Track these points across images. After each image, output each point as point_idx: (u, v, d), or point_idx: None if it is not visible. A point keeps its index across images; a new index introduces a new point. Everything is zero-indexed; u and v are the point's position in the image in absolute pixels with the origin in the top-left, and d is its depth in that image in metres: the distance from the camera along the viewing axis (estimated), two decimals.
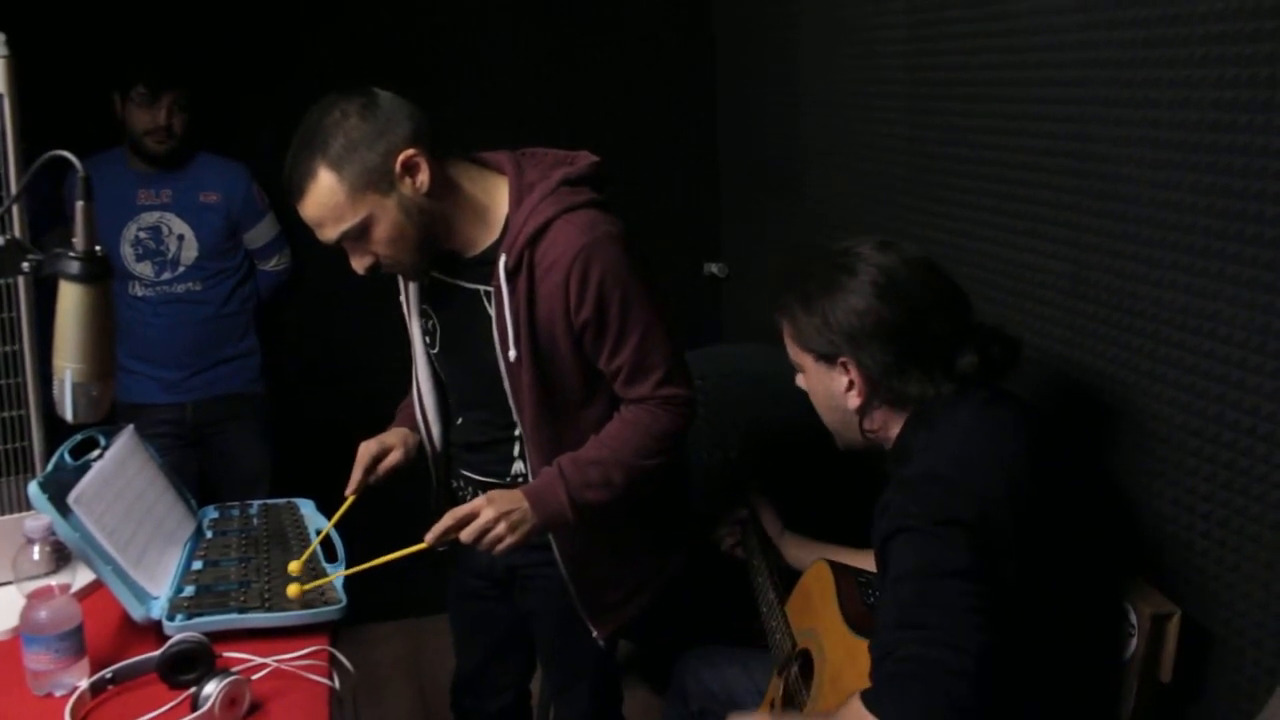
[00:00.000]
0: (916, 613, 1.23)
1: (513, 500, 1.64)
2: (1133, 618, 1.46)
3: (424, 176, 1.57)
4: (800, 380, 1.55)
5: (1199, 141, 1.39)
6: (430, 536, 1.63)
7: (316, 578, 1.72)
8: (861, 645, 1.47)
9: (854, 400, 1.47)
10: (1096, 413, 1.63)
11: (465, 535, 1.62)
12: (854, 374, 1.45)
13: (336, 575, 1.72)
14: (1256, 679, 1.37)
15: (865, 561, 1.74)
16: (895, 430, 1.47)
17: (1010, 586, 1.26)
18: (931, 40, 2.06)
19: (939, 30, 2.03)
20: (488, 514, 1.62)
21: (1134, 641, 1.46)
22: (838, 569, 1.68)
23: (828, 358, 1.47)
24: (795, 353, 1.53)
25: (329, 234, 1.59)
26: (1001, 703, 1.24)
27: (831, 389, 1.49)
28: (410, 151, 1.56)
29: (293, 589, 1.66)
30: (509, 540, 1.63)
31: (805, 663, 1.68)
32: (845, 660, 1.52)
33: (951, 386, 1.42)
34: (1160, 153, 1.46)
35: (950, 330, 1.42)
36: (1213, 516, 1.42)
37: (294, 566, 1.72)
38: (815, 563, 1.76)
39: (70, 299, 1.34)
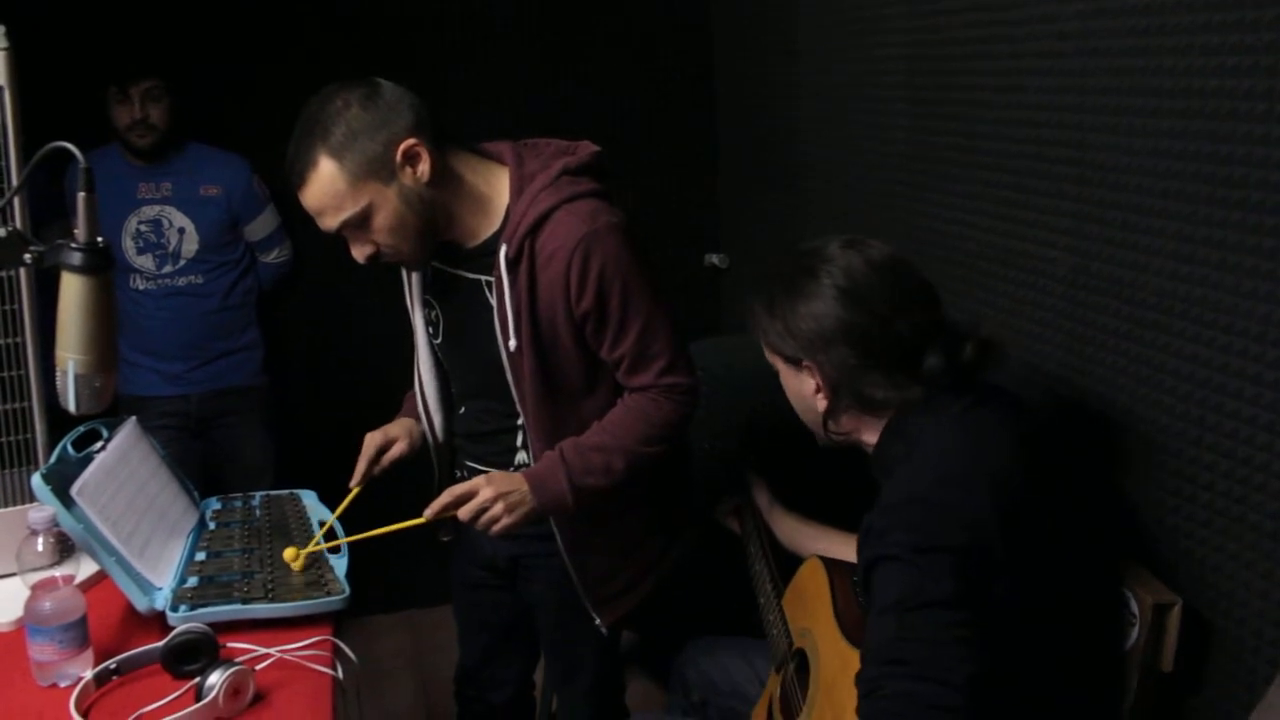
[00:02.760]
0: (901, 647, 1.21)
1: (512, 482, 1.65)
2: (1134, 607, 1.46)
3: (425, 166, 1.58)
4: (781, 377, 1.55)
5: (1200, 131, 1.39)
6: (429, 512, 1.65)
7: (318, 565, 1.72)
8: (855, 655, 1.46)
9: (821, 403, 1.46)
10: (1098, 403, 1.63)
11: (463, 513, 1.64)
12: (818, 378, 1.44)
13: (335, 543, 1.73)
14: (1257, 668, 1.37)
15: (855, 549, 1.73)
16: (870, 435, 1.46)
17: (1001, 603, 1.25)
18: (931, 30, 2.05)
19: (939, 20, 2.02)
20: (486, 493, 1.63)
21: (1135, 631, 1.46)
22: (832, 568, 1.67)
23: (793, 361, 1.46)
24: (767, 354, 1.52)
25: (329, 223, 1.59)
26: (1003, 695, 1.24)
27: (801, 391, 1.48)
28: (411, 141, 1.56)
29: (289, 552, 1.66)
30: (505, 521, 1.63)
31: (801, 662, 1.68)
32: (839, 670, 1.51)
33: (919, 389, 1.39)
34: (1161, 143, 1.46)
35: (915, 332, 1.39)
36: (1214, 506, 1.42)
37: (290, 554, 1.72)
38: (810, 559, 1.75)
39: (72, 290, 1.34)
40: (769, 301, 1.46)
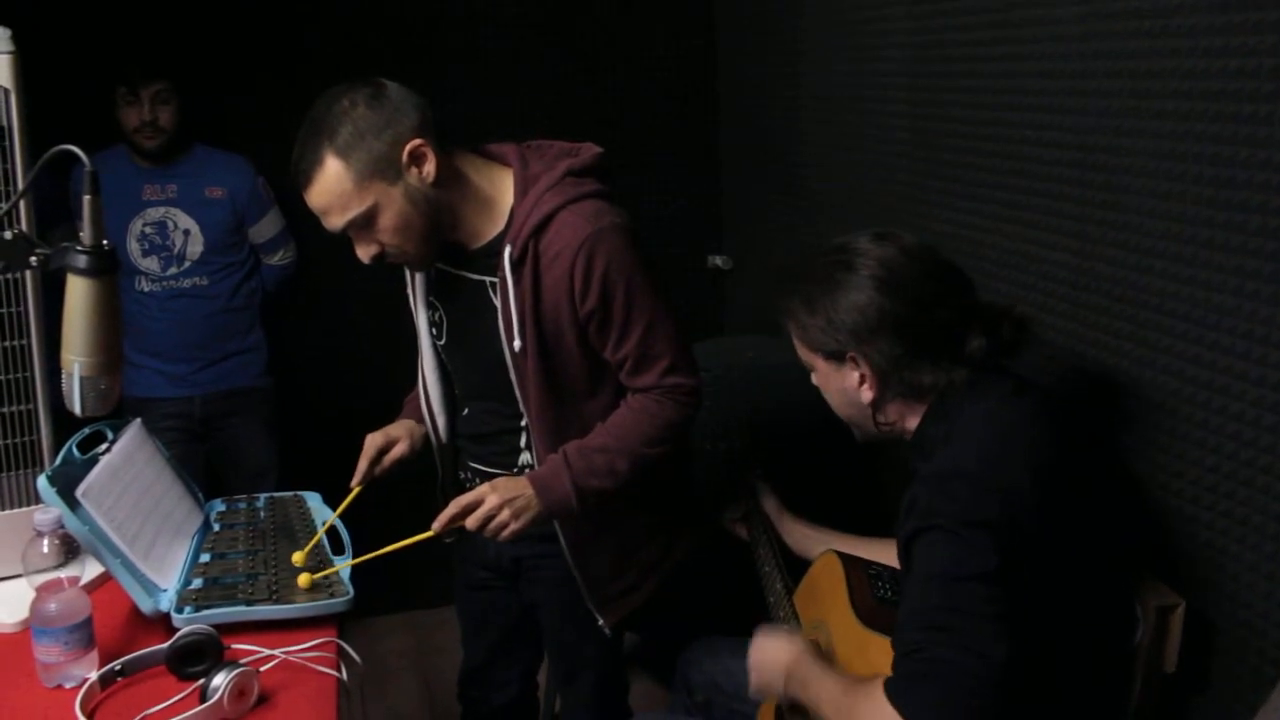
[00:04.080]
0: (944, 616, 1.23)
1: (517, 487, 1.65)
2: (1138, 609, 1.46)
3: (430, 166, 1.58)
4: (814, 379, 1.56)
5: (1201, 132, 1.39)
6: (437, 524, 1.66)
7: (323, 568, 1.73)
8: (872, 639, 1.47)
9: (867, 394, 1.47)
10: (1100, 405, 1.63)
11: (470, 522, 1.64)
12: (864, 369, 1.45)
13: (344, 565, 1.73)
14: (1261, 669, 1.37)
15: (867, 550, 1.74)
16: (913, 422, 1.47)
17: (1030, 587, 1.26)
18: (933, 31, 2.05)
19: (941, 21, 2.02)
20: (492, 500, 1.63)
21: (1139, 632, 1.46)
22: (847, 560, 1.68)
23: (836, 355, 1.47)
24: (804, 354, 1.53)
25: (335, 222, 1.59)
26: (1011, 693, 1.24)
27: (844, 386, 1.49)
28: (417, 141, 1.56)
29: (303, 579, 1.67)
30: (513, 527, 1.64)
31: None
32: (855, 654, 1.52)
33: (964, 372, 1.41)
34: (1163, 144, 1.46)
35: (956, 315, 1.42)
36: (1217, 508, 1.42)
37: (298, 557, 1.73)
38: (824, 553, 1.76)
39: (78, 293, 1.35)
40: (808, 299, 1.47)
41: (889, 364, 1.42)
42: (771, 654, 1.51)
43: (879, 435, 1.53)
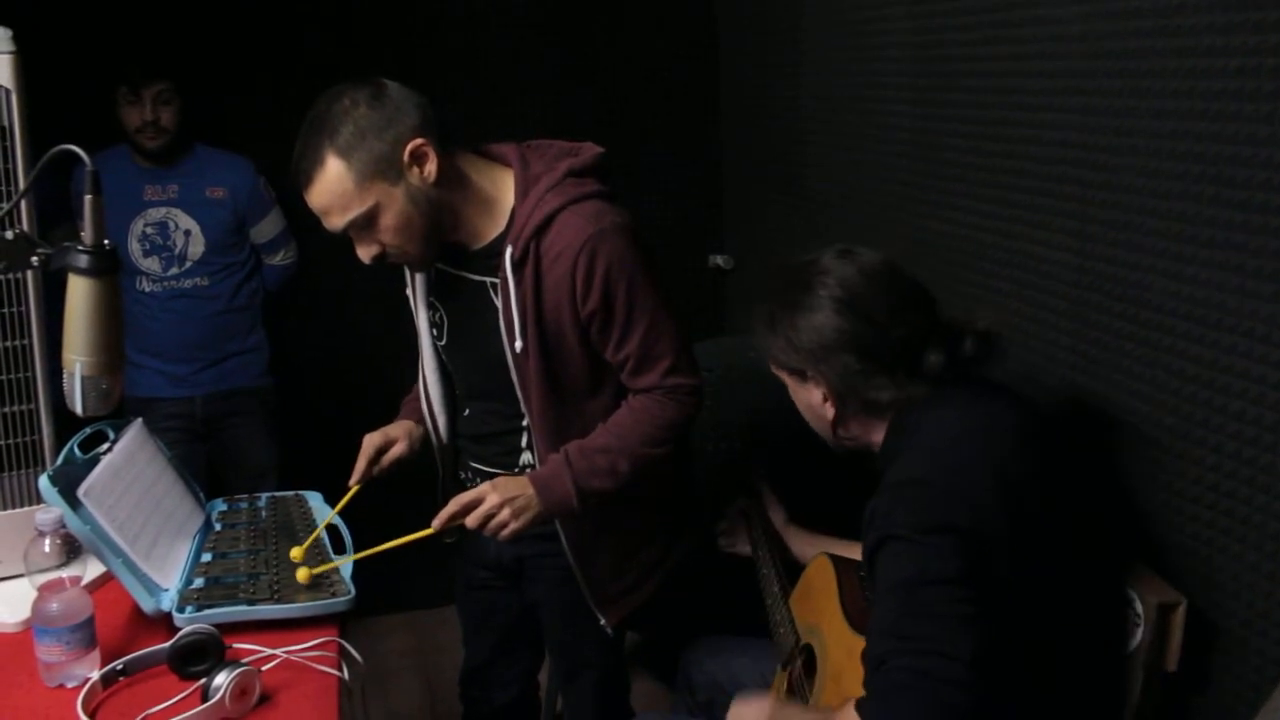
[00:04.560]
0: (906, 623, 1.24)
1: (518, 486, 1.65)
2: (1139, 607, 1.46)
3: (431, 166, 1.58)
4: (789, 391, 1.58)
5: (1203, 132, 1.39)
6: (437, 522, 1.66)
7: (323, 565, 1.73)
8: (861, 643, 1.48)
9: (829, 411, 1.49)
10: (1102, 403, 1.63)
11: (470, 521, 1.64)
12: (824, 387, 1.47)
13: (345, 560, 1.74)
14: (1262, 669, 1.37)
15: None
16: (878, 436, 1.49)
17: (1005, 583, 1.27)
18: (935, 31, 2.05)
19: (942, 21, 2.02)
20: (492, 499, 1.64)
21: (1140, 631, 1.46)
22: (839, 563, 1.69)
23: (799, 373, 1.49)
24: (773, 368, 1.56)
25: (336, 222, 1.59)
26: (1006, 694, 1.24)
27: (810, 401, 1.52)
28: (418, 141, 1.56)
29: (301, 573, 1.67)
30: (513, 526, 1.64)
31: (809, 658, 1.69)
32: (846, 658, 1.53)
33: (922, 388, 1.43)
34: (1164, 143, 1.46)
35: (913, 333, 1.43)
36: (1219, 506, 1.42)
37: (296, 553, 1.73)
38: (817, 556, 1.76)
39: (79, 292, 1.35)
40: (769, 318, 1.50)
41: (846, 382, 1.44)
42: (749, 714, 1.50)
43: (846, 449, 1.55)
